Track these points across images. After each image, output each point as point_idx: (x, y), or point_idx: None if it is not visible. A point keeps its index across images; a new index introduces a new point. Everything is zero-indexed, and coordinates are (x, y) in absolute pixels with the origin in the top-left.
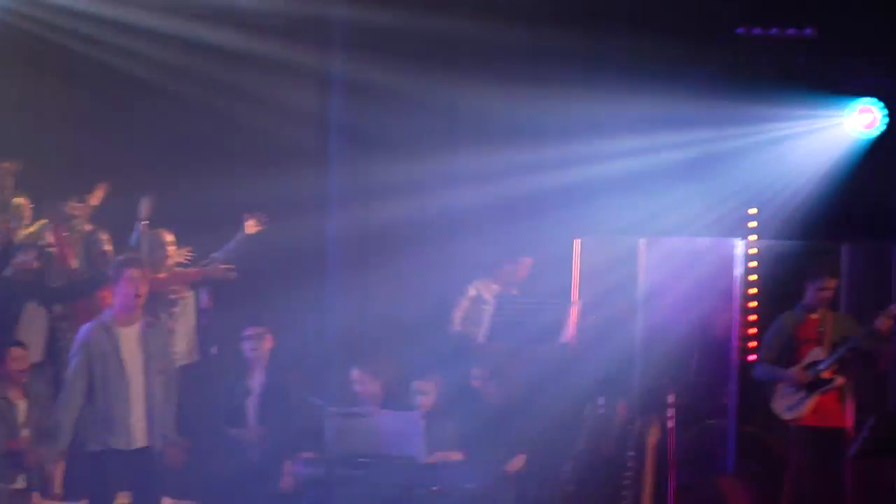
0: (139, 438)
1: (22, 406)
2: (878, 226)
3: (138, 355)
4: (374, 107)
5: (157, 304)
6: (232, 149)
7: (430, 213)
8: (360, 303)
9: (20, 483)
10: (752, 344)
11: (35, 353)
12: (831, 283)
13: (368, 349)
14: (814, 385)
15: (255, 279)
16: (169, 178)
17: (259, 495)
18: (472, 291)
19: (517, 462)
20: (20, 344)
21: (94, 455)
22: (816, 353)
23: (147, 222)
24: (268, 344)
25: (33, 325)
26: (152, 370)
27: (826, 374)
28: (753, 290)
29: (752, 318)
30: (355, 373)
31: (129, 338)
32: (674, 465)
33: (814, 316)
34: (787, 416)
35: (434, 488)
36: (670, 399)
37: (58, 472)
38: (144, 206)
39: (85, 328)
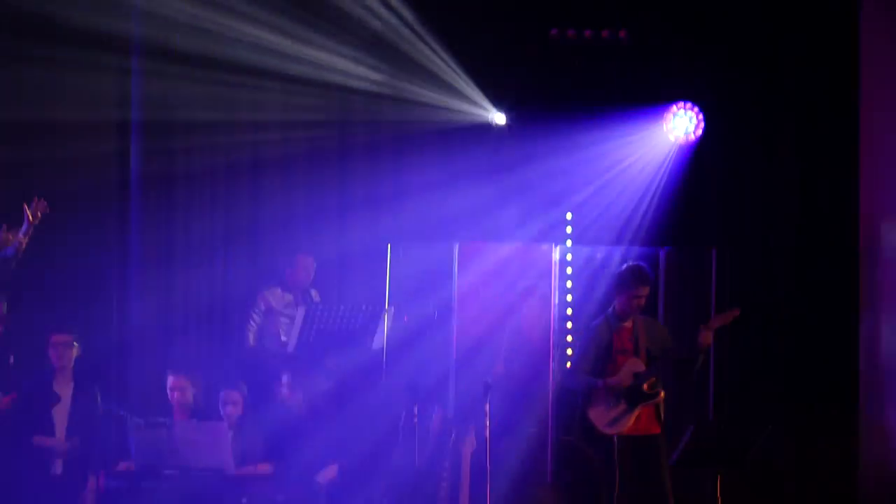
0: None
1: None
2: (696, 230)
3: None
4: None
5: None
6: None
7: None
8: (162, 309)
9: None
10: (570, 351)
11: None
12: (644, 290)
13: (176, 357)
14: (636, 398)
15: (52, 282)
16: None
17: None
18: (261, 304)
19: (329, 473)
20: None
21: None
22: (633, 364)
23: None
24: (74, 352)
25: None
26: None
27: (647, 388)
28: (569, 297)
29: (569, 325)
30: (171, 379)
31: None
32: (490, 476)
33: (627, 324)
34: (609, 430)
35: (243, 501)
36: (486, 408)
37: None
38: None
39: None
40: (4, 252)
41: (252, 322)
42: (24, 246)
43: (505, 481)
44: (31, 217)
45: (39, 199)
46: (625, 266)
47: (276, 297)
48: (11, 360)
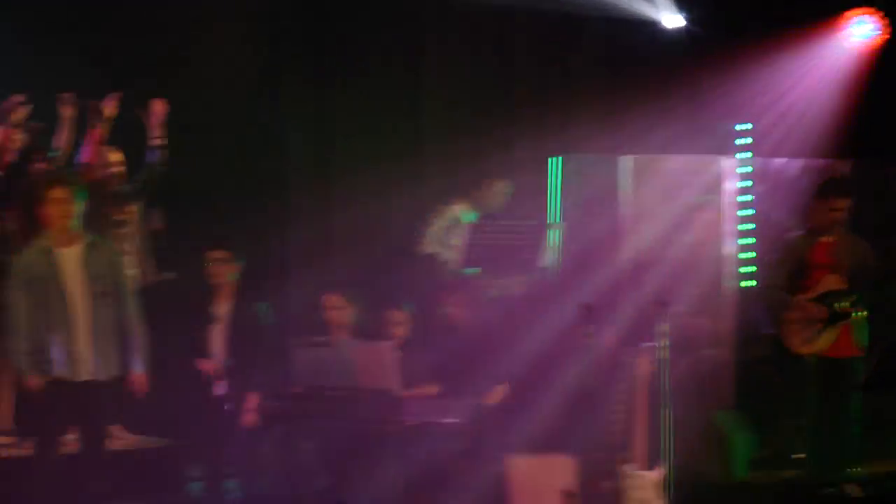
0: (85, 369)
1: None
2: (880, 142)
3: (80, 279)
4: None
5: (101, 222)
6: None
7: None
8: (325, 224)
9: None
10: (748, 268)
11: None
12: (841, 202)
13: (337, 275)
14: (833, 317)
15: (212, 197)
16: None
17: (222, 430)
18: (444, 212)
19: (496, 394)
20: None
21: (41, 387)
22: (830, 281)
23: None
24: (232, 269)
25: None
26: (97, 294)
27: (845, 307)
28: (748, 212)
29: (746, 240)
30: (327, 298)
31: (70, 260)
32: (668, 399)
33: (826, 239)
34: (803, 349)
35: (408, 422)
36: (662, 328)
37: (4, 406)
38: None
39: (22, 251)
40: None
41: (431, 228)
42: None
43: (682, 405)
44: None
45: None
46: (822, 177)
47: (460, 210)
48: (172, 275)
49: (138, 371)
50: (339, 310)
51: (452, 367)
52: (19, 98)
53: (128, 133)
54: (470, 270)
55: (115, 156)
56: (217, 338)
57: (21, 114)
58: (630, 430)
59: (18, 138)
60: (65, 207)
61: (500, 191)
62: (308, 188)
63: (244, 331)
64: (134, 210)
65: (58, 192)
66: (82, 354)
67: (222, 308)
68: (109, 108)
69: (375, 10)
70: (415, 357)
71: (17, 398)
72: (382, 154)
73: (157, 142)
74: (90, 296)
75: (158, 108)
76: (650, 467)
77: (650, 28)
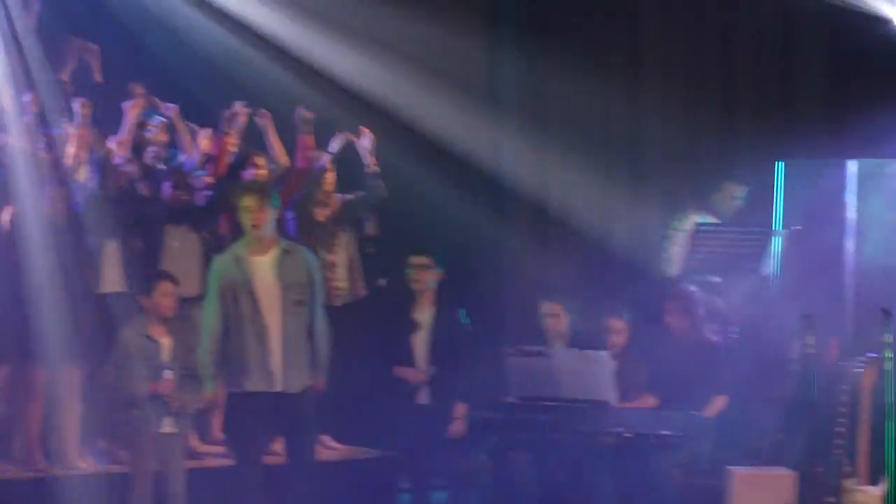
0: (277, 380)
1: (167, 345)
2: None
3: (273, 287)
4: None
5: (315, 233)
6: None
7: None
8: (540, 231)
9: (168, 427)
10: None
11: (190, 285)
12: None
13: (553, 283)
14: None
15: (421, 204)
16: None
17: (428, 440)
18: (678, 217)
19: (716, 406)
20: (169, 277)
21: (237, 397)
22: None
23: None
24: (434, 275)
25: (184, 253)
26: (290, 303)
27: None
28: None
29: None
30: (546, 306)
31: (263, 268)
32: (893, 411)
33: None
34: None
35: (626, 435)
36: (888, 337)
37: (216, 416)
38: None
39: (216, 259)
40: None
41: (676, 244)
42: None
43: None
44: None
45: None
46: None
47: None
48: (383, 282)
49: (320, 380)
50: (557, 318)
51: (670, 377)
52: (242, 106)
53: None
54: (691, 278)
55: (261, 160)
56: (419, 345)
57: (242, 121)
58: (853, 443)
59: (235, 145)
60: (255, 215)
61: (734, 195)
62: (522, 194)
63: (447, 338)
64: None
65: (247, 201)
66: (275, 365)
67: (424, 315)
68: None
69: (594, 9)
70: (632, 367)
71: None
72: (598, 158)
73: (372, 169)
74: (283, 304)
75: (366, 140)
76: (874, 482)
77: (881, 26)
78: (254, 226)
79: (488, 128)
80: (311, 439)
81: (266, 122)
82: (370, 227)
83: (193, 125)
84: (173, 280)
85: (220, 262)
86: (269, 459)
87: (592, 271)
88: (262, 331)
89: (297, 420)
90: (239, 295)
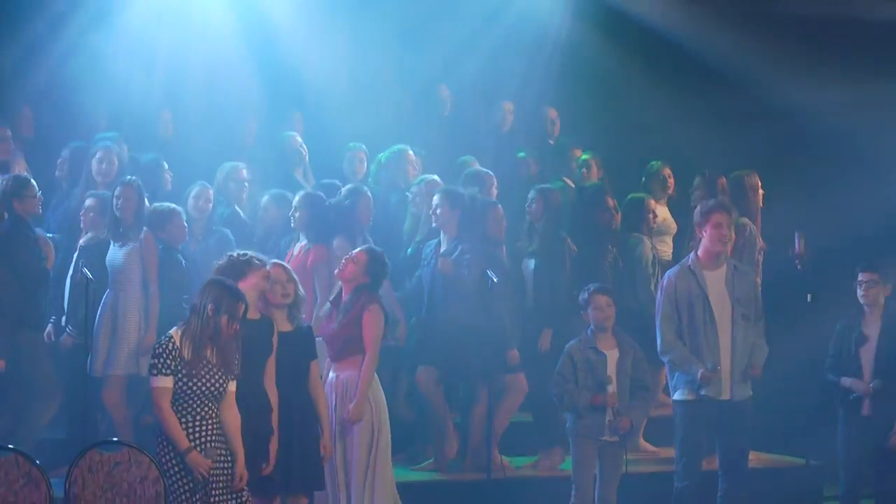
0: (726, 389)
1: (613, 357)
2: None
3: (726, 301)
4: None
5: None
6: None
7: None
8: None
9: (609, 436)
10: None
11: None
12: None
13: None
14: None
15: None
16: None
17: (867, 451)
18: None
19: None
20: (606, 290)
21: (688, 405)
22: None
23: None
24: (883, 290)
25: None
26: (739, 317)
27: None
28: None
29: None
30: None
31: (715, 282)
32: None
33: None
34: None
35: None
36: None
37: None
38: None
39: (669, 272)
40: None
41: None
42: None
43: None
44: None
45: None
46: None
47: None
48: (808, 297)
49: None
50: None
51: None
52: None
53: None
54: None
55: None
56: (867, 358)
57: None
58: None
59: None
60: (722, 232)
61: None
62: None
63: (893, 352)
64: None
65: (718, 217)
66: (725, 374)
67: (872, 329)
68: None
69: None
70: None
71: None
72: None
73: None
74: (732, 318)
75: None
76: None
77: None
78: (723, 241)
79: None
80: (747, 448)
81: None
82: (800, 244)
83: None
84: (608, 293)
85: (675, 274)
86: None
87: None
88: (714, 342)
89: (736, 428)
90: (695, 306)
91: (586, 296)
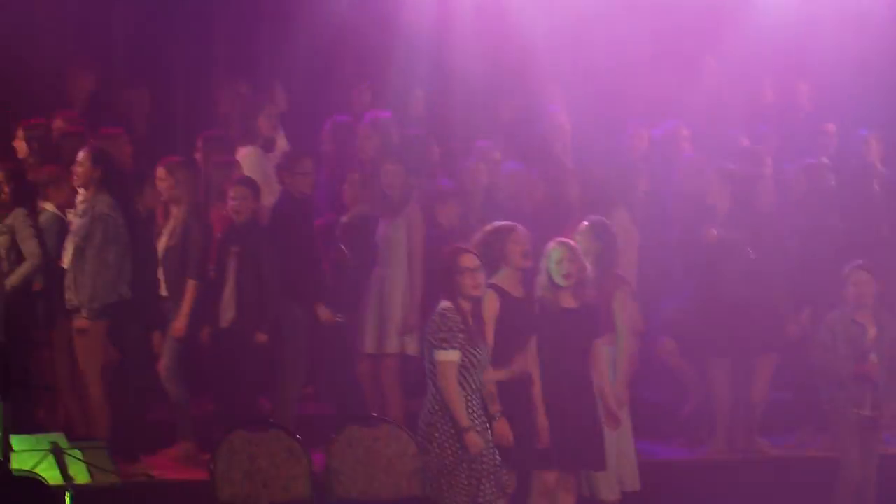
0: None
1: (871, 331)
2: None
3: None
4: None
5: None
6: None
7: None
8: None
9: (870, 410)
10: None
11: None
12: None
13: None
14: None
15: None
16: None
17: None
18: None
19: None
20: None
21: None
22: None
23: None
24: None
25: None
26: None
27: None
28: None
29: None
30: None
31: None
32: None
33: None
34: None
35: None
36: None
37: None
38: None
39: None
40: None
41: None
42: None
43: None
44: None
45: None
46: None
47: None
48: None
49: None
50: None
51: None
52: None
53: None
54: None
55: None
56: None
57: None
58: None
59: None
60: None
61: None
62: None
63: None
64: None
65: None
66: None
67: None
68: None
69: None
70: None
71: None
72: None
73: None
74: None
75: None
76: None
77: None
78: None
79: None
80: None
81: None
82: None
83: None
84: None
85: None
86: None
87: None
88: None
89: None
90: None
91: (847, 272)
